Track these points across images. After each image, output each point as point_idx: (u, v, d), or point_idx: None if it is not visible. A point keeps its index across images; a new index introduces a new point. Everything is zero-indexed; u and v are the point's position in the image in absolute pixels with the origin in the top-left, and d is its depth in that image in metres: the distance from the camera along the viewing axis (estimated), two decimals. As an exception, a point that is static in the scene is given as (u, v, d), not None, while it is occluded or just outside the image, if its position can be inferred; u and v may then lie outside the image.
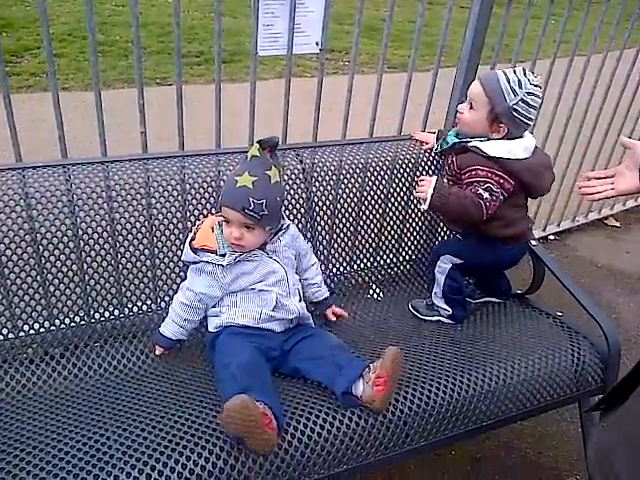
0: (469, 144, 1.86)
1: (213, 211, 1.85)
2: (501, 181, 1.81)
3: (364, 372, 1.48)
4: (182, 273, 1.85)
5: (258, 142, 1.59)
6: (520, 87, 1.76)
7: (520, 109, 1.78)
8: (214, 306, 1.69)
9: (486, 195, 1.79)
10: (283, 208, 1.75)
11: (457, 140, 1.92)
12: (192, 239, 1.67)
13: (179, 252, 1.83)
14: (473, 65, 2.43)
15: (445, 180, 1.99)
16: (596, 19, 2.94)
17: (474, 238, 1.96)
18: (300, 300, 1.72)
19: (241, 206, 1.55)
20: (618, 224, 3.83)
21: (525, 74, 1.78)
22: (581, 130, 3.29)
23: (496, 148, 1.81)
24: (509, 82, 1.77)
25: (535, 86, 1.79)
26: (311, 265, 1.84)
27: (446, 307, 1.99)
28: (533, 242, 2.07)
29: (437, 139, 2.12)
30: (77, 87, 5.02)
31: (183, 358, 1.76)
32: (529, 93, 1.77)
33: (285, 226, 1.73)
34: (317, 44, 2.09)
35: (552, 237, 3.56)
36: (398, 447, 1.55)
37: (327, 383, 1.54)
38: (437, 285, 2.02)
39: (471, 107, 1.85)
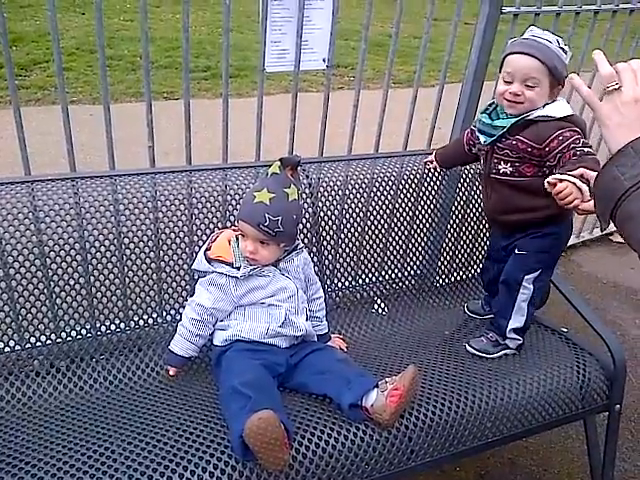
0: (532, 117, 1.74)
1: (220, 225, 1.86)
2: (583, 136, 1.73)
3: (380, 383, 1.48)
4: (188, 287, 1.86)
5: (280, 160, 1.63)
6: (560, 44, 1.72)
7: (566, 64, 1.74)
8: (222, 320, 1.69)
9: (591, 150, 1.68)
10: (299, 226, 1.77)
11: (514, 119, 1.76)
12: (207, 249, 1.69)
13: (185, 266, 1.84)
14: (478, 81, 2.45)
15: (508, 168, 1.81)
16: (601, 36, 2.96)
17: (555, 222, 1.83)
18: (307, 319, 1.73)
19: (257, 221, 1.57)
20: (623, 240, 3.82)
21: (548, 32, 1.74)
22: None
23: (561, 109, 1.74)
24: (558, 43, 1.71)
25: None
26: (316, 298, 1.83)
27: (519, 337, 1.88)
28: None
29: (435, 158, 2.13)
30: (85, 100, 5.07)
31: (189, 372, 1.76)
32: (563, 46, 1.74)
33: (299, 247, 1.76)
34: (324, 60, 2.12)
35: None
36: (403, 463, 1.54)
37: (334, 396, 1.54)
38: (517, 316, 1.87)
39: (528, 85, 1.71)
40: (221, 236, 1.72)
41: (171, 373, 1.71)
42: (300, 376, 1.62)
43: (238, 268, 1.65)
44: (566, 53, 1.71)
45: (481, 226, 2.27)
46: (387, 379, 1.49)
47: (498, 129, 1.79)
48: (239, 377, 1.49)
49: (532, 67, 1.69)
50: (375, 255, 2.15)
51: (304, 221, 1.98)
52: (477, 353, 1.88)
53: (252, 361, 1.57)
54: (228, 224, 1.87)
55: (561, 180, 1.57)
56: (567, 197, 1.55)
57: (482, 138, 1.84)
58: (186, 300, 1.80)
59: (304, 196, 1.97)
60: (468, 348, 1.89)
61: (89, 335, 1.78)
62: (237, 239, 1.68)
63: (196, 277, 1.75)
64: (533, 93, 1.71)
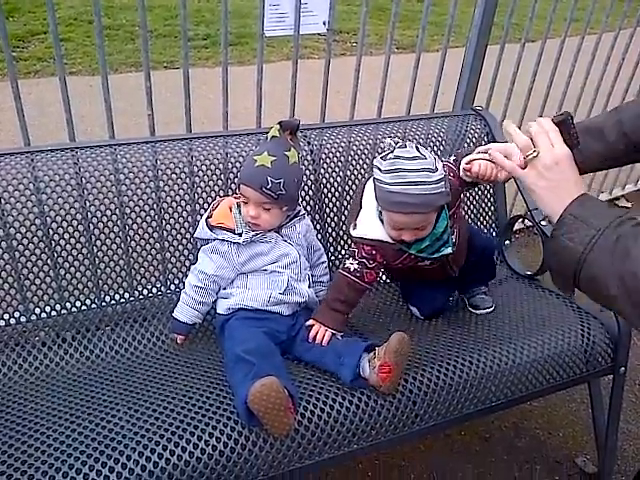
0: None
1: (221, 193, 1.85)
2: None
3: (370, 357, 1.48)
4: (191, 256, 1.85)
5: (279, 123, 1.61)
6: (430, 157, 1.54)
7: None
8: (225, 288, 1.70)
9: None
10: (300, 191, 1.75)
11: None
12: (209, 217, 1.68)
13: (188, 234, 1.84)
14: (482, 45, 2.40)
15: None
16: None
17: None
18: (310, 286, 1.73)
19: (259, 184, 1.56)
20: (629, 204, 3.80)
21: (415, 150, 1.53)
22: (592, 110, 3.25)
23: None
24: (431, 161, 1.52)
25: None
26: (321, 263, 1.83)
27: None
28: (543, 222, 2.05)
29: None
30: (84, 71, 5.02)
31: (193, 340, 1.77)
32: None
33: (301, 213, 1.75)
34: (324, 24, 2.08)
35: (562, 218, 3.54)
36: (408, 427, 1.55)
37: (333, 372, 1.54)
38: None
39: (417, 228, 1.58)
40: (222, 203, 1.71)
41: (178, 341, 1.72)
42: (298, 350, 1.62)
43: (240, 234, 1.64)
44: (436, 161, 1.52)
45: (485, 191, 2.25)
46: (377, 349, 1.48)
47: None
48: (242, 345, 1.50)
49: (420, 221, 1.56)
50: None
51: (306, 188, 1.96)
52: (483, 312, 1.91)
53: (255, 329, 1.57)
54: (230, 192, 1.86)
55: (471, 161, 1.53)
56: (487, 172, 1.49)
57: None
58: (189, 269, 1.80)
59: (306, 163, 1.96)
60: (474, 311, 1.91)
61: (94, 306, 1.79)
62: (238, 206, 1.67)
63: (199, 245, 1.74)
64: (424, 230, 1.60)
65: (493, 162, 1.35)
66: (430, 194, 1.48)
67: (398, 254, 1.67)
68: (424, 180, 1.47)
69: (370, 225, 1.63)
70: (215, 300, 1.72)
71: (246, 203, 1.61)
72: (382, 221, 1.62)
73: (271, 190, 1.56)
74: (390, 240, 1.62)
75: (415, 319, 1.88)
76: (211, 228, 1.67)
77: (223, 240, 1.65)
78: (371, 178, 1.61)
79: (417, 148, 1.50)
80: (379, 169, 1.51)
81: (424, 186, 1.47)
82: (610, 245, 0.98)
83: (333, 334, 1.61)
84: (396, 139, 1.54)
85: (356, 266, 1.64)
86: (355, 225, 1.67)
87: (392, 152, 1.50)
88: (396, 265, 1.70)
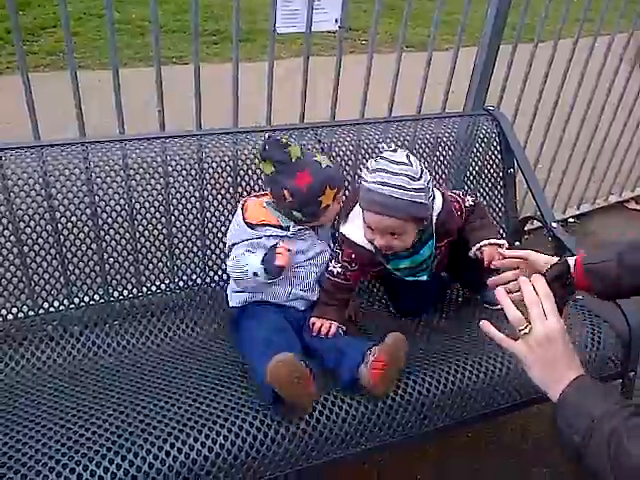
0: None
1: (231, 190, 1.85)
2: None
3: (366, 355, 1.46)
4: (200, 252, 1.85)
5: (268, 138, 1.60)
6: (417, 166, 1.56)
7: None
8: None
9: None
10: None
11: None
12: (243, 218, 1.64)
13: (197, 231, 1.84)
14: (495, 45, 2.38)
15: None
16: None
17: None
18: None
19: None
20: (639, 207, 3.77)
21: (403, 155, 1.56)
22: (603, 111, 3.23)
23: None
24: (415, 169, 1.54)
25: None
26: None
27: None
28: (553, 224, 2.04)
29: None
30: (94, 66, 5.02)
31: (199, 336, 1.77)
32: None
33: None
34: (336, 21, 2.06)
35: (572, 220, 3.52)
36: (416, 429, 1.55)
37: (333, 370, 1.53)
38: None
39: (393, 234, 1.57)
40: (250, 204, 1.68)
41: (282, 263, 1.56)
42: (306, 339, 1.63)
43: (287, 228, 1.63)
44: (423, 173, 1.52)
45: (495, 192, 2.24)
46: (374, 347, 1.47)
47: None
48: (259, 326, 1.54)
49: (391, 225, 1.54)
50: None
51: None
52: (499, 307, 1.88)
53: (273, 314, 1.60)
54: (239, 189, 1.86)
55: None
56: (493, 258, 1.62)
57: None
58: (198, 266, 1.80)
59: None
60: (489, 307, 1.90)
61: (102, 301, 1.78)
62: (269, 204, 1.66)
63: (231, 244, 1.69)
64: (399, 241, 1.58)
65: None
66: (404, 200, 1.48)
67: (373, 263, 1.69)
68: (401, 185, 1.48)
69: (355, 226, 1.65)
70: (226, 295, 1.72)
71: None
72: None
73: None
74: (368, 246, 1.62)
75: (423, 320, 1.87)
76: (252, 227, 1.63)
77: (270, 236, 1.62)
78: None
79: (407, 156, 1.52)
80: (367, 168, 1.53)
81: (400, 190, 1.48)
82: (605, 439, 1.00)
83: (338, 327, 1.63)
84: (392, 144, 1.56)
85: (339, 269, 1.66)
86: (345, 221, 1.69)
87: (378, 155, 1.53)
88: (372, 273, 1.74)
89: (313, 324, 1.63)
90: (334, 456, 1.46)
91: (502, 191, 2.24)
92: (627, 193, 3.81)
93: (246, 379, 1.52)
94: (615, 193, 3.74)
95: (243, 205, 1.69)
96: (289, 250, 1.57)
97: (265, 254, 1.57)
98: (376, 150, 2.03)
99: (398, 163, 1.49)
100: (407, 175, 1.48)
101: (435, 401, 1.55)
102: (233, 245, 1.67)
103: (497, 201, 2.24)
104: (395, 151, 1.52)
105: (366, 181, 1.52)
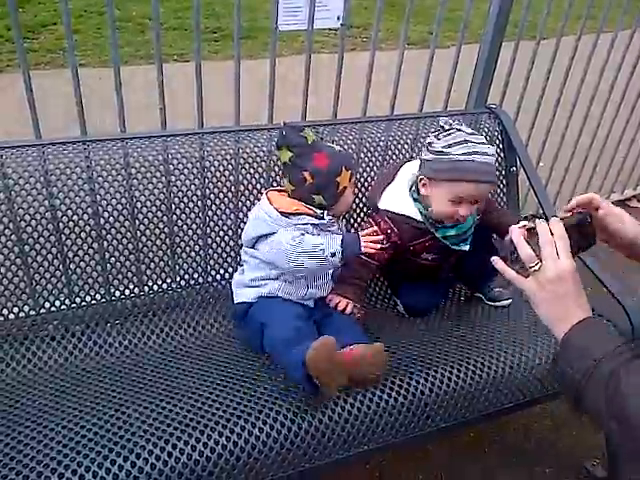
0: None
1: (233, 189, 1.84)
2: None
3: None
4: (202, 252, 1.84)
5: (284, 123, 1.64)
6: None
7: None
8: (260, 277, 1.66)
9: None
10: None
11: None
12: (276, 209, 1.61)
13: (199, 230, 1.83)
14: (497, 42, 2.37)
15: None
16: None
17: None
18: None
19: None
20: (641, 205, 3.77)
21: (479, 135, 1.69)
22: (606, 108, 3.21)
23: None
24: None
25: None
26: None
27: None
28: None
29: None
30: (94, 63, 5.00)
31: (201, 335, 1.76)
32: None
33: None
34: (338, 18, 2.05)
35: (574, 218, 3.50)
36: (419, 429, 1.54)
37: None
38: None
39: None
40: (274, 195, 1.66)
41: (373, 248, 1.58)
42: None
43: (322, 217, 1.62)
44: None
45: (498, 190, 2.22)
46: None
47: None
48: (284, 316, 1.54)
49: (485, 191, 1.70)
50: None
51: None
52: (503, 303, 1.94)
53: (290, 305, 1.61)
54: (241, 187, 1.85)
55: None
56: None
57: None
58: (200, 265, 1.80)
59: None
60: (493, 304, 1.93)
61: (103, 300, 1.78)
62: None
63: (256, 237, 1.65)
64: (479, 204, 1.70)
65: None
66: (493, 165, 1.64)
67: (416, 235, 1.73)
68: (486, 152, 1.61)
69: (399, 200, 1.73)
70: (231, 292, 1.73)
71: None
72: (415, 200, 1.72)
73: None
74: (418, 217, 1.70)
75: (425, 319, 1.87)
76: (287, 216, 1.60)
77: (306, 224, 1.60)
78: (407, 162, 1.80)
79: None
80: (442, 146, 1.61)
81: (490, 157, 1.62)
82: (604, 380, 1.00)
83: (354, 306, 1.69)
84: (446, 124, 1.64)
85: None
86: (380, 198, 1.75)
87: (448, 130, 1.61)
88: (407, 247, 1.75)
89: (331, 300, 1.69)
90: (336, 457, 1.45)
91: (504, 189, 2.23)
92: (629, 191, 3.79)
93: (248, 379, 1.52)
94: (617, 191, 3.73)
95: (267, 197, 1.66)
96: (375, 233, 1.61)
97: (343, 237, 1.57)
98: (378, 148, 2.03)
99: (472, 134, 1.62)
100: (484, 143, 1.62)
101: (438, 401, 1.55)
102: (261, 237, 1.62)
103: (499, 199, 2.23)
104: (460, 124, 1.63)
105: (454, 154, 1.59)
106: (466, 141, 1.59)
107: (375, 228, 1.67)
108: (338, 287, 1.71)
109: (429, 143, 1.65)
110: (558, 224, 1.14)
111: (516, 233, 1.17)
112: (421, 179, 1.70)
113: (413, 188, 1.75)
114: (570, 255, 1.12)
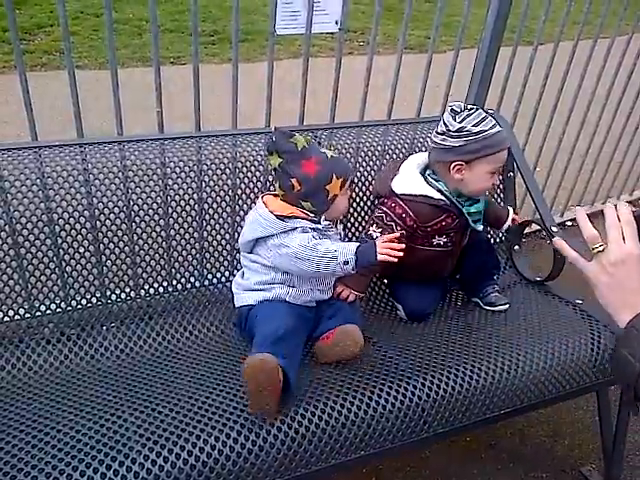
0: None
1: (230, 192, 1.83)
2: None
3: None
4: (198, 255, 1.84)
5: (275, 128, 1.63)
6: None
7: None
8: (264, 281, 1.65)
9: None
10: None
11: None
12: (271, 212, 1.61)
13: (195, 234, 1.82)
14: (495, 48, 2.37)
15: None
16: (621, 0, 2.86)
17: None
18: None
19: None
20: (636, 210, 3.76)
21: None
22: (602, 114, 3.22)
23: None
24: None
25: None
26: None
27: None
28: (554, 228, 2.03)
29: None
30: (91, 65, 5.00)
31: (197, 339, 1.75)
32: None
33: None
34: (337, 23, 2.05)
35: (569, 223, 3.50)
36: (415, 434, 1.53)
37: None
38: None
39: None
40: (269, 199, 1.66)
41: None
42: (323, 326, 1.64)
43: (318, 221, 1.63)
44: None
45: (495, 195, 2.23)
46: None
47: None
48: (274, 323, 1.51)
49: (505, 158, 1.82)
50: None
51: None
52: (499, 308, 1.93)
53: (287, 315, 1.58)
54: (239, 191, 1.84)
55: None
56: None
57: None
58: (196, 268, 1.79)
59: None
60: (490, 309, 1.94)
61: (99, 303, 1.77)
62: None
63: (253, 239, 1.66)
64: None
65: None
66: None
67: (435, 214, 1.77)
68: (496, 122, 1.74)
69: (413, 183, 1.78)
70: (232, 296, 1.73)
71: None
72: (428, 183, 1.78)
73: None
74: (436, 196, 1.76)
75: (421, 324, 1.86)
76: (282, 219, 1.60)
77: (304, 227, 1.59)
78: (411, 155, 1.88)
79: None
80: (472, 125, 1.68)
81: (499, 126, 1.74)
82: None
83: (356, 296, 1.75)
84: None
85: (379, 234, 1.74)
86: (391, 186, 1.80)
87: (463, 111, 1.71)
88: (424, 229, 1.79)
89: (335, 288, 1.73)
90: (333, 462, 1.44)
91: (502, 194, 2.24)
92: (625, 196, 3.81)
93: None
94: (613, 197, 3.74)
95: (263, 201, 1.66)
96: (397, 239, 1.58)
97: (359, 245, 1.55)
98: (376, 152, 2.03)
99: (475, 109, 1.72)
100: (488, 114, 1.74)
101: (435, 406, 1.54)
102: (259, 240, 1.63)
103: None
104: (461, 107, 1.72)
105: (484, 131, 1.68)
106: (483, 117, 1.69)
107: (397, 234, 1.62)
108: (346, 278, 1.71)
109: (447, 130, 1.70)
110: (627, 209, 1.10)
111: (581, 213, 1.13)
112: (455, 165, 1.72)
113: (427, 172, 1.81)
114: (637, 240, 1.08)
